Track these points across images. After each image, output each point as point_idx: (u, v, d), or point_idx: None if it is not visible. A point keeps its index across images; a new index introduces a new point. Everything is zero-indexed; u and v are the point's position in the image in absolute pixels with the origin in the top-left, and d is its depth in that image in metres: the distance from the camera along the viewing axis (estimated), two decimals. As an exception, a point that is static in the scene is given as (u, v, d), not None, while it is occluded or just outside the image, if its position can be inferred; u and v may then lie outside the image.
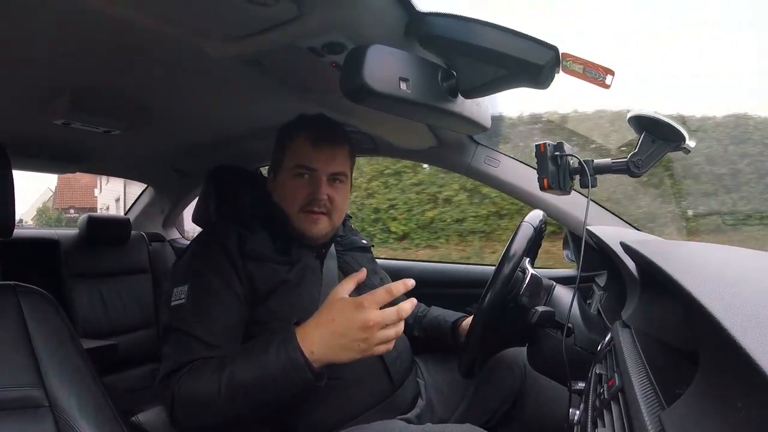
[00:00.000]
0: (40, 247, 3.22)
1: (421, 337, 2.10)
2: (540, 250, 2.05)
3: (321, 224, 1.84)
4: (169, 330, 1.64)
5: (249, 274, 1.71)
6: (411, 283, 1.53)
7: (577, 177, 1.57)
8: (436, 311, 2.21)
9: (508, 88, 1.34)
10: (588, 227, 1.95)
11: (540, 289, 1.72)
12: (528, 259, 1.72)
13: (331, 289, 1.71)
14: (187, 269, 1.73)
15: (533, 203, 2.37)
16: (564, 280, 1.90)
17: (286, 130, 1.90)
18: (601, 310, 1.92)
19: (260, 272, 1.73)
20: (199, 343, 1.58)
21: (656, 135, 1.50)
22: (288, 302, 1.73)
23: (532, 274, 1.69)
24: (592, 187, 1.54)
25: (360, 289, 1.93)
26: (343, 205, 1.93)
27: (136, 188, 4.11)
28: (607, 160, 1.57)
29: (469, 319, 2.01)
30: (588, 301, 2.29)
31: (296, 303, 1.74)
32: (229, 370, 1.47)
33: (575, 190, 1.63)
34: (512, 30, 1.22)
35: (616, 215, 2.41)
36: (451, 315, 2.13)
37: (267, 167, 2.03)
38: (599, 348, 1.43)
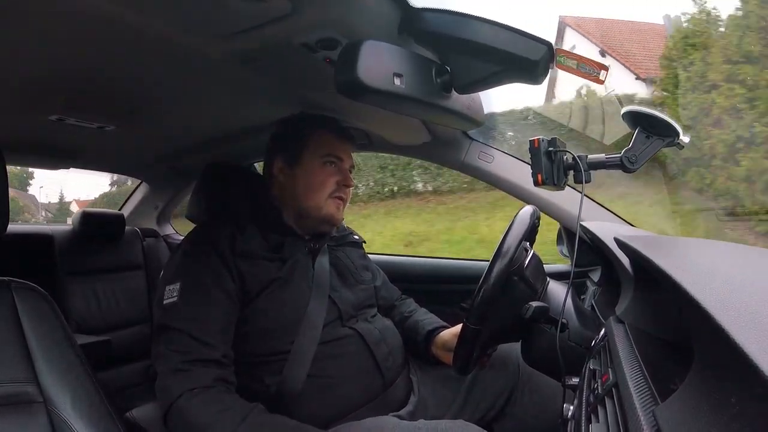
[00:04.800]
0: (34, 243, 3.20)
1: (402, 337, 2.08)
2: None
3: (342, 209, 1.93)
4: (162, 329, 1.64)
5: (240, 272, 1.72)
6: None
7: (571, 172, 1.57)
8: (420, 315, 2.21)
9: (503, 84, 1.34)
10: (582, 223, 1.95)
11: (541, 267, 1.74)
12: (528, 242, 1.72)
13: (323, 284, 1.74)
14: (179, 267, 1.74)
15: (527, 199, 2.36)
16: (558, 276, 1.91)
17: (304, 123, 1.97)
18: (594, 306, 1.92)
19: (251, 270, 1.73)
20: (194, 341, 1.58)
21: (650, 131, 1.50)
22: (279, 299, 1.74)
23: (533, 252, 1.70)
24: (586, 182, 1.54)
25: (351, 286, 1.93)
26: (350, 196, 1.99)
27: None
28: (601, 156, 1.56)
29: (446, 332, 2.02)
30: (582, 297, 2.30)
31: (286, 300, 1.75)
32: None
33: (569, 186, 1.63)
34: (507, 26, 1.22)
35: (610, 211, 2.41)
36: (429, 323, 2.12)
37: (263, 162, 2.05)
38: (593, 343, 1.43)
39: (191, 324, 1.60)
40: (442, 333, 2.02)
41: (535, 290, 1.66)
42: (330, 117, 1.99)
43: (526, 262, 1.65)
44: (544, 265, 1.79)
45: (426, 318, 2.17)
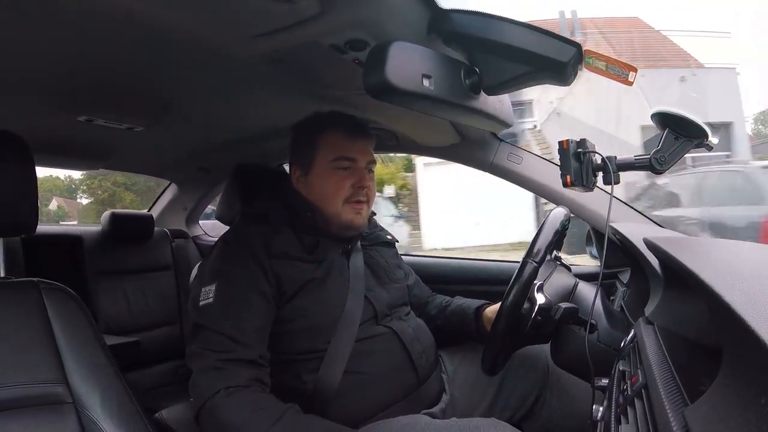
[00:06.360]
0: (64, 244, 3.23)
1: (443, 326, 2.11)
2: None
3: (364, 213, 1.90)
4: (198, 328, 1.64)
5: (276, 273, 1.72)
6: None
7: (600, 174, 1.56)
8: (460, 300, 2.22)
9: (531, 85, 1.33)
10: (611, 224, 1.94)
11: (550, 322, 1.65)
12: (537, 284, 1.69)
13: (359, 284, 1.75)
14: (214, 269, 1.74)
15: (556, 200, 2.36)
16: (587, 277, 1.90)
17: (313, 125, 1.92)
18: (624, 307, 1.91)
19: (287, 271, 1.73)
20: (230, 341, 1.58)
21: (679, 132, 1.49)
22: (315, 299, 1.74)
23: (539, 306, 1.62)
24: (615, 183, 1.53)
25: (385, 284, 1.93)
26: (375, 193, 1.96)
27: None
28: (630, 157, 1.56)
29: (493, 306, 2.02)
30: (611, 298, 2.28)
31: (323, 300, 1.75)
32: None
33: (598, 187, 1.63)
34: (535, 27, 1.22)
35: (639, 212, 2.40)
36: (474, 302, 2.13)
37: (288, 165, 2.04)
38: (622, 344, 1.42)
39: (227, 324, 1.60)
40: (489, 308, 2.04)
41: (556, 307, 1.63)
42: (341, 114, 1.95)
43: (530, 321, 1.62)
44: (572, 266, 1.77)
45: (467, 300, 2.19)
